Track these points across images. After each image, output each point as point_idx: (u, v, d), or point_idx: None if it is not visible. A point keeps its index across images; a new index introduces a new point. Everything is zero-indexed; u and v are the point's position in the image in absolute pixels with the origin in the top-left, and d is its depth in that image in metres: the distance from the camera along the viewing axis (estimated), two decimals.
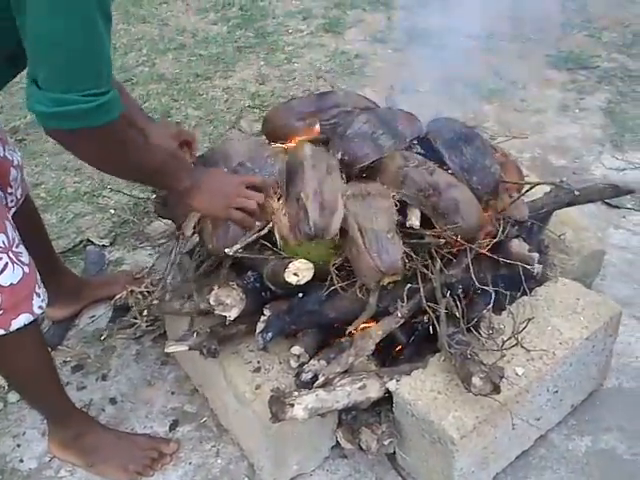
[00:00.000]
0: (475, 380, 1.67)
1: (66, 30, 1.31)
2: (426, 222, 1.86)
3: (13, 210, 1.98)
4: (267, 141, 2.22)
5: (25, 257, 1.70)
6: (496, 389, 1.68)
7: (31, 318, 1.72)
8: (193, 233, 1.97)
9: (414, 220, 1.82)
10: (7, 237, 1.65)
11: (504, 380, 1.76)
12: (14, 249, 1.66)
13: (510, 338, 1.80)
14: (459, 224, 1.82)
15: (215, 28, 4.46)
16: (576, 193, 2.02)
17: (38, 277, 1.75)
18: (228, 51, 4.19)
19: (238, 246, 1.81)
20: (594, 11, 4.51)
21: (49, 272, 2.23)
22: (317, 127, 2.10)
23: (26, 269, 1.69)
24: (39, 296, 1.73)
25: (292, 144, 2.09)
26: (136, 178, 1.79)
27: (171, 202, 2.05)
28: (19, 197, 2.03)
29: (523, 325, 1.82)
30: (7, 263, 1.64)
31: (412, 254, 1.82)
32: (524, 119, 3.50)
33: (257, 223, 1.80)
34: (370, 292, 1.79)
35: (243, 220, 1.75)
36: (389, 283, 1.78)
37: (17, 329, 1.69)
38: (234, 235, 1.84)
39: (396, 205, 1.86)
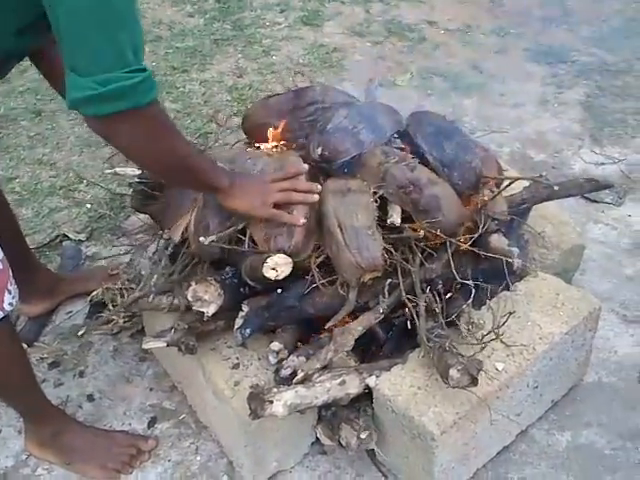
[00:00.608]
0: (453, 372, 1.67)
1: (102, 6, 1.30)
2: (406, 218, 1.84)
3: None
4: (247, 140, 2.21)
5: None
6: (474, 382, 1.67)
7: (1, 315, 1.69)
8: (182, 238, 1.95)
9: (395, 217, 1.81)
10: None
11: (483, 375, 1.76)
12: None
13: (490, 332, 1.80)
14: (440, 220, 1.81)
15: (192, 20, 4.41)
16: (555, 188, 2.02)
17: (10, 274, 1.72)
18: (205, 44, 4.15)
19: (213, 237, 1.78)
20: (573, 5, 4.52)
21: (23, 268, 2.21)
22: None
23: None
24: (10, 293, 1.70)
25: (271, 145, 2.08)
26: (177, 171, 1.70)
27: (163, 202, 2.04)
28: None
29: (503, 320, 1.82)
30: None
31: (392, 250, 1.80)
32: (503, 113, 3.50)
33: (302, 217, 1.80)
34: (350, 288, 1.78)
35: (283, 216, 1.77)
36: (370, 279, 1.77)
37: None
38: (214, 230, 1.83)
39: (376, 201, 1.85)
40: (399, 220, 1.81)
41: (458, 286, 1.88)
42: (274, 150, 2.06)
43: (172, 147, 1.57)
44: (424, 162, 1.95)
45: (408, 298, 1.79)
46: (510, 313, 1.84)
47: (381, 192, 1.86)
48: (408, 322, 1.81)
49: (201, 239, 1.79)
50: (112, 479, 1.96)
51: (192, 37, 4.22)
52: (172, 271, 1.95)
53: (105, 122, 1.42)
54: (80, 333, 2.06)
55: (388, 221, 1.81)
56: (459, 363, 1.67)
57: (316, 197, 1.81)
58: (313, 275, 1.80)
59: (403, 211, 1.85)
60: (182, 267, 1.96)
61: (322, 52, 4.04)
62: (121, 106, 1.38)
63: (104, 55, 1.34)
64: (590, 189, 2.17)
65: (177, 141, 1.58)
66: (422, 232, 1.80)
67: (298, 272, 1.79)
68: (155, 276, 1.94)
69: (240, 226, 1.82)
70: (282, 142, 2.08)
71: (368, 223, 1.79)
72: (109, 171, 2.99)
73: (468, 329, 1.80)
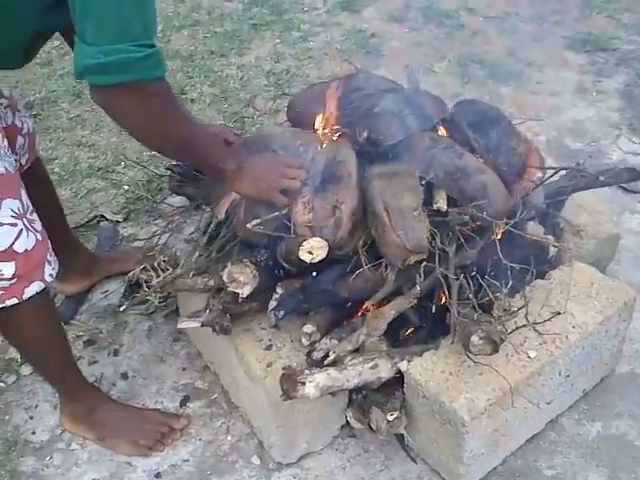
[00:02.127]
0: (474, 339, 1.67)
1: None
2: (449, 204, 1.85)
3: None
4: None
5: (38, 224, 1.70)
6: (496, 349, 1.67)
7: (42, 286, 1.71)
8: (226, 216, 1.97)
9: (442, 203, 1.81)
10: (22, 203, 1.64)
11: (515, 362, 1.77)
12: (28, 216, 1.66)
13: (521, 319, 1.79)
14: (486, 208, 1.80)
15: (230, 5, 4.43)
16: (601, 178, 2.00)
17: (49, 245, 1.74)
18: (243, 28, 4.17)
19: (258, 221, 1.80)
20: None
21: (63, 246, 2.24)
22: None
23: (39, 236, 1.68)
24: (50, 264, 1.73)
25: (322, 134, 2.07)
26: (180, 151, 1.73)
27: (208, 182, 2.06)
28: (23, 164, 2.03)
29: (537, 308, 1.82)
30: (22, 229, 1.63)
31: (436, 233, 1.80)
32: (541, 101, 3.47)
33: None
34: (390, 269, 1.78)
35: (286, 203, 1.81)
36: (415, 262, 1.77)
37: (29, 297, 1.69)
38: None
39: (422, 186, 1.84)
40: (445, 206, 1.81)
41: (492, 273, 1.87)
42: (324, 137, 2.05)
43: (175, 128, 1.58)
44: (470, 149, 1.95)
45: (442, 283, 1.79)
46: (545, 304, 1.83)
47: (428, 177, 1.86)
48: (441, 307, 1.82)
49: (247, 225, 1.81)
50: (144, 456, 1.99)
51: (230, 22, 4.24)
52: (210, 252, 1.97)
53: (107, 93, 1.44)
54: (122, 309, 2.10)
55: (434, 206, 1.81)
56: (481, 330, 1.67)
57: None
58: (353, 258, 1.81)
59: (447, 197, 1.84)
60: (219, 248, 1.98)
61: (360, 38, 4.04)
62: (124, 78, 1.40)
63: (112, 26, 1.36)
64: (628, 179, 2.16)
65: (181, 123, 1.59)
66: (467, 218, 1.79)
67: (334, 256, 1.80)
68: (195, 255, 1.97)
69: (284, 211, 1.83)
70: (328, 129, 2.07)
71: (414, 205, 1.78)
72: (148, 153, 3.03)
73: (501, 316, 1.79)
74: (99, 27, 1.36)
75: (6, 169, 1.62)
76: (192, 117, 1.75)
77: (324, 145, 1.96)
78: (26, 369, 2.21)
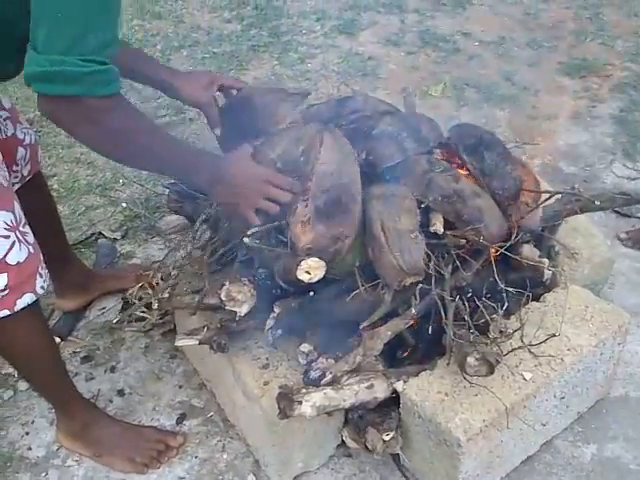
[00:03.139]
0: (470, 360, 1.69)
1: None
2: (445, 227, 1.86)
3: (17, 186, 1.99)
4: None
5: (30, 237, 1.71)
6: (491, 370, 1.68)
7: (34, 298, 1.72)
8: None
9: (438, 226, 1.82)
10: (15, 216, 1.66)
11: (511, 384, 1.78)
12: (21, 228, 1.67)
13: (514, 340, 1.81)
14: (481, 232, 1.82)
15: (229, 26, 4.47)
16: (597, 203, 2.02)
17: (41, 257, 1.76)
18: (242, 50, 4.20)
19: (255, 230, 1.79)
20: (607, 19, 4.52)
21: (61, 262, 2.27)
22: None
23: (31, 249, 1.70)
24: (42, 276, 1.74)
25: None
26: (144, 167, 1.73)
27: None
28: (25, 175, 2.04)
29: (531, 330, 1.83)
30: (14, 242, 1.65)
31: (431, 255, 1.82)
32: (535, 125, 3.51)
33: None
34: (387, 290, 1.80)
35: (262, 222, 1.74)
36: (411, 284, 1.79)
37: (21, 309, 1.70)
38: None
39: (419, 208, 1.86)
40: (442, 228, 1.83)
41: (488, 295, 1.89)
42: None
43: (124, 142, 1.54)
44: (466, 173, 1.97)
45: (438, 304, 1.80)
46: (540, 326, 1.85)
47: (426, 201, 1.87)
48: (437, 328, 1.83)
49: (245, 240, 1.81)
50: (140, 473, 2.00)
51: (229, 43, 4.28)
52: (207, 270, 1.98)
53: (50, 103, 1.43)
54: (114, 321, 2.10)
55: (431, 229, 1.82)
56: (477, 352, 1.69)
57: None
58: (349, 278, 1.82)
59: (444, 220, 1.86)
60: (217, 266, 1.99)
61: (357, 61, 4.07)
62: (65, 90, 1.39)
63: (62, 36, 1.35)
64: (622, 203, 2.18)
65: (133, 136, 1.54)
66: (462, 241, 1.81)
67: (331, 276, 1.81)
68: (192, 273, 1.98)
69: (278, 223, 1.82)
70: None
71: (411, 227, 1.80)
72: (147, 171, 3.04)
73: (497, 337, 1.81)
74: (50, 36, 1.35)
75: None
76: (154, 129, 1.66)
77: (323, 147, 1.87)
78: (23, 384, 2.21)
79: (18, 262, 1.66)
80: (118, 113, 1.49)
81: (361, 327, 1.83)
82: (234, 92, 2.05)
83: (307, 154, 1.86)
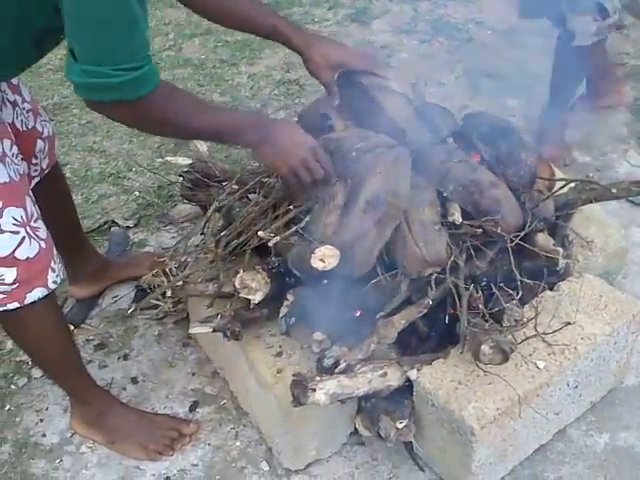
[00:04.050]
0: (484, 348, 1.69)
1: (97, 4, 1.33)
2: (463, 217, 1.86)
3: (36, 180, 2.00)
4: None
5: (43, 232, 1.72)
6: (505, 359, 1.68)
7: (45, 292, 1.74)
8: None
9: (457, 216, 1.82)
10: (26, 212, 1.67)
11: (524, 372, 1.78)
12: (32, 224, 1.69)
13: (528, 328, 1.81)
14: (498, 222, 1.82)
15: None
16: (613, 190, 2.01)
17: (55, 252, 1.77)
18: (254, 38, 4.15)
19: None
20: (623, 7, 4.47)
21: (75, 250, 2.27)
22: None
23: (42, 244, 1.71)
24: (54, 271, 1.75)
25: None
26: (193, 137, 1.91)
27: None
28: (44, 168, 2.05)
29: (546, 318, 1.83)
30: (24, 237, 1.66)
31: (452, 247, 1.82)
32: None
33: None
34: (403, 279, 1.80)
35: (297, 188, 1.79)
36: (430, 274, 1.79)
37: (32, 302, 1.71)
38: None
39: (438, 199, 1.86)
40: (460, 219, 1.83)
41: (502, 284, 1.89)
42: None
43: (178, 124, 1.60)
44: (481, 161, 1.97)
45: (453, 293, 1.80)
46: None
47: (445, 191, 1.88)
48: (451, 317, 1.83)
49: (260, 233, 1.84)
50: (153, 460, 2.01)
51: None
52: (220, 257, 1.99)
53: (99, 106, 1.49)
54: (129, 311, 2.11)
55: (449, 219, 1.83)
56: (491, 340, 1.69)
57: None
58: None
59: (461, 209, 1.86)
60: (222, 248, 2.00)
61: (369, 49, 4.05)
62: (105, 98, 1.44)
63: (95, 48, 1.39)
64: (636, 193, 2.16)
65: (184, 117, 1.60)
66: (479, 230, 1.81)
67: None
68: (206, 261, 1.99)
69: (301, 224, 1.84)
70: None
71: (434, 218, 1.80)
72: (160, 160, 3.05)
73: (511, 326, 1.80)
74: (82, 47, 1.39)
75: (10, 177, 1.65)
76: (198, 104, 1.70)
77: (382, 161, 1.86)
78: (37, 372, 2.23)
79: (28, 257, 1.68)
80: (164, 102, 1.54)
81: (378, 316, 1.83)
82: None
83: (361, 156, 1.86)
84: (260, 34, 2.05)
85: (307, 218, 1.84)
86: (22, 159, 1.79)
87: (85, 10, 1.35)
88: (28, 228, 1.67)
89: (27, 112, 1.94)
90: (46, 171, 2.05)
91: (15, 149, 1.71)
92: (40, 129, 1.99)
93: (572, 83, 3.13)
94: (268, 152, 1.74)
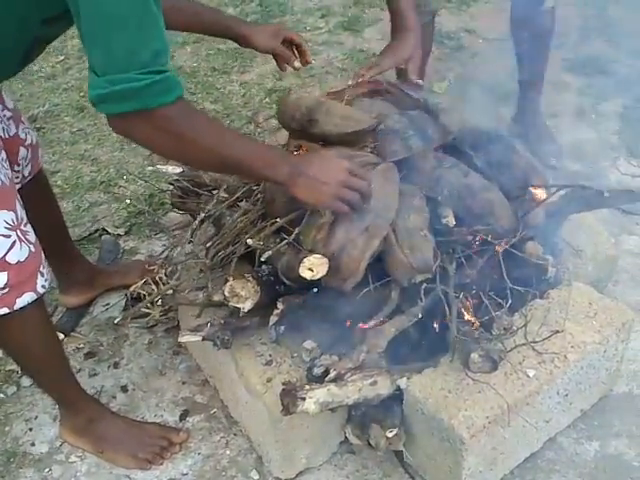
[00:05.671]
0: (474, 356, 1.69)
1: (119, 9, 1.33)
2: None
3: (17, 187, 1.99)
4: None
5: (32, 236, 1.72)
6: (495, 367, 1.68)
7: (35, 297, 1.73)
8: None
9: (450, 218, 1.82)
10: (16, 215, 1.67)
11: (514, 381, 1.78)
12: (22, 227, 1.68)
13: (517, 337, 1.81)
14: (492, 226, 1.82)
15: None
16: (606, 194, 2.00)
17: (43, 257, 1.77)
18: None
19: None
20: (613, 17, 4.49)
21: (64, 258, 2.27)
22: None
23: (32, 248, 1.71)
24: (42, 275, 1.75)
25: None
26: (214, 168, 1.75)
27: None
28: (26, 175, 2.05)
29: (535, 327, 1.83)
30: (15, 241, 1.66)
31: (439, 253, 1.82)
32: None
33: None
34: (394, 287, 1.80)
35: (349, 211, 1.71)
36: (421, 281, 1.79)
37: (21, 308, 1.71)
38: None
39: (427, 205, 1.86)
40: (454, 221, 1.83)
41: (492, 292, 1.89)
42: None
43: (198, 146, 1.52)
44: (472, 167, 1.97)
45: (443, 302, 1.80)
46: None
47: (437, 197, 1.88)
48: (441, 326, 1.83)
49: (249, 241, 1.83)
50: (143, 469, 2.00)
51: None
52: (210, 266, 1.98)
53: (119, 121, 1.45)
54: (116, 321, 2.11)
55: (443, 221, 1.83)
56: (481, 349, 1.68)
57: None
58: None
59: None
60: (212, 257, 1.99)
61: (361, 57, 4.07)
62: (129, 107, 1.41)
63: (118, 55, 1.37)
64: (626, 201, 2.17)
65: (205, 139, 1.53)
66: (470, 237, 1.81)
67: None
68: (196, 269, 1.99)
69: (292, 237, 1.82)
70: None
71: (421, 225, 1.80)
72: (151, 168, 3.05)
73: (500, 334, 1.81)
74: (106, 56, 1.37)
75: (2, 181, 1.65)
76: (224, 131, 1.65)
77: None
78: (26, 381, 2.22)
79: (19, 261, 1.67)
80: (186, 118, 1.49)
81: (369, 326, 1.83)
82: None
83: None
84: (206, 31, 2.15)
85: (297, 230, 1.82)
86: None
87: (104, 9, 1.33)
88: (19, 232, 1.67)
89: (8, 120, 1.94)
90: (28, 179, 2.06)
91: (4, 154, 1.71)
92: (23, 136, 1.99)
93: None
94: (302, 186, 1.64)
